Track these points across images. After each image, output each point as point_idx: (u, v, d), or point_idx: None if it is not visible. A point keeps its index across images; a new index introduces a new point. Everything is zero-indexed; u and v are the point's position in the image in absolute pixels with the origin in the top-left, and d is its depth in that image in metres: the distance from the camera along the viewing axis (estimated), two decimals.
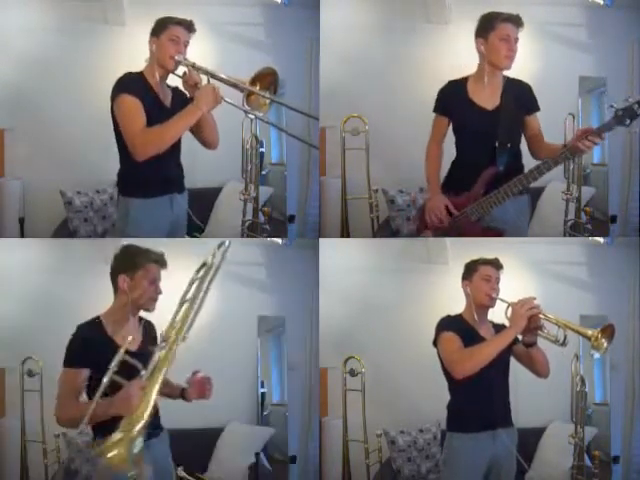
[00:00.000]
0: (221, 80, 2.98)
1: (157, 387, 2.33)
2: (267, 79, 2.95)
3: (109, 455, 2.16)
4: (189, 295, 2.53)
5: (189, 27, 3.03)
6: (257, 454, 3.75)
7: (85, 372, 2.56)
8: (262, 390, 3.96)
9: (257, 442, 3.85)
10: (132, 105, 2.94)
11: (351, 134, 3.85)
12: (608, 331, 2.86)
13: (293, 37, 3.89)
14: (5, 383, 3.79)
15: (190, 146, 3.12)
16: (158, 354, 2.39)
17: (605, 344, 2.85)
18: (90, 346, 2.58)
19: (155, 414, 2.62)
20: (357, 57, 3.97)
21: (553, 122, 3.61)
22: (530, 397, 3.53)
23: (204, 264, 2.58)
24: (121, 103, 2.95)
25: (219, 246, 2.61)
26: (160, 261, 2.72)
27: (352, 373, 3.77)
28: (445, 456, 3.02)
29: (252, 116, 3.17)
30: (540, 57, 3.96)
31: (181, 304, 2.52)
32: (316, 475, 3.73)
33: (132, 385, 2.34)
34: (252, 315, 3.95)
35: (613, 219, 3.92)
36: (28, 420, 3.67)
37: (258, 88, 2.92)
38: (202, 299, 2.50)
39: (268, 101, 2.95)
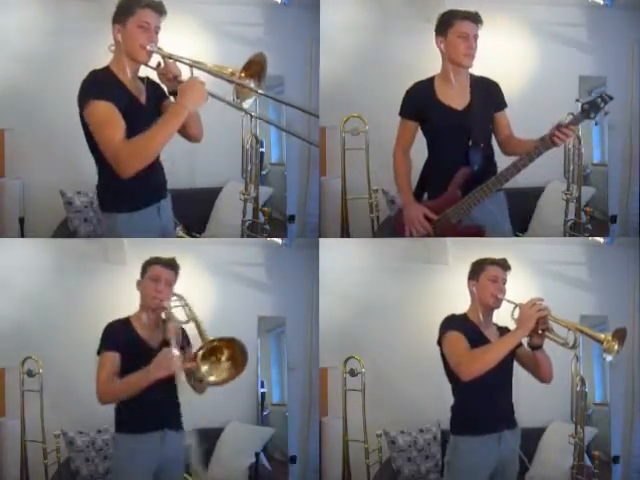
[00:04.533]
0: (205, 70, 2.68)
1: None
2: (253, 67, 2.71)
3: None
4: None
5: (159, 9, 2.66)
6: (257, 454, 3.75)
7: (117, 356, 2.71)
8: (262, 390, 3.95)
9: (257, 442, 3.84)
10: (107, 112, 2.57)
11: (351, 134, 3.85)
12: (620, 334, 2.85)
13: (293, 37, 3.89)
14: (5, 383, 3.78)
15: (191, 146, 3.11)
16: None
17: (616, 347, 2.84)
18: (119, 334, 2.77)
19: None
20: (357, 57, 3.96)
21: (553, 122, 3.61)
22: (530, 397, 3.52)
23: None
24: (94, 111, 2.58)
25: None
26: (171, 264, 2.88)
27: (352, 373, 3.76)
28: (450, 459, 2.98)
29: (253, 113, 3.08)
30: (540, 57, 3.97)
31: None
32: (316, 475, 3.73)
33: (166, 350, 2.61)
34: (252, 315, 3.95)
35: (613, 219, 3.92)
36: (28, 420, 3.66)
37: (243, 76, 2.68)
38: None
39: (253, 85, 2.70)
